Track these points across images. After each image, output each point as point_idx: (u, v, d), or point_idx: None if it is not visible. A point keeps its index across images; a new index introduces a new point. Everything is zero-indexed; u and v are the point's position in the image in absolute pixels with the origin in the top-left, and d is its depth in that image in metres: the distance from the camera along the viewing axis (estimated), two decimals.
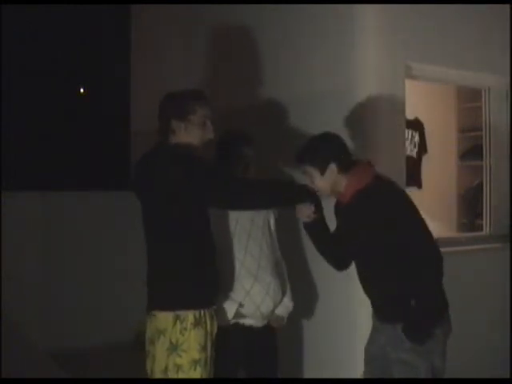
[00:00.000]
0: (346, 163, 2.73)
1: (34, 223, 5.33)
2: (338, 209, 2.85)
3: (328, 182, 2.72)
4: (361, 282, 2.84)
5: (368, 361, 2.83)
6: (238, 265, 2.99)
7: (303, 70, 3.86)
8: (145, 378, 2.66)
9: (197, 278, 2.65)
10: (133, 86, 5.80)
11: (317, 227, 2.85)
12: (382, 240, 2.61)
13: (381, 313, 2.77)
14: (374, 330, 2.83)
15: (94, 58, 5.60)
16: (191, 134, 2.71)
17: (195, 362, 2.59)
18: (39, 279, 5.27)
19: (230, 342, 2.94)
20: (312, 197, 2.76)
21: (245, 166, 3.08)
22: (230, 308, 2.95)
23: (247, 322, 3.00)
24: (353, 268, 2.90)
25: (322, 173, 2.70)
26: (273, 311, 3.07)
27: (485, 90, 4.32)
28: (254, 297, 2.97)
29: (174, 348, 2.58)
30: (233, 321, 2.97)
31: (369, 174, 2.72)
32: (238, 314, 2.96)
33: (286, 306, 3.16)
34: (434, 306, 2.61)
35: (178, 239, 2.63)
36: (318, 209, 2.80)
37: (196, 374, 2.60)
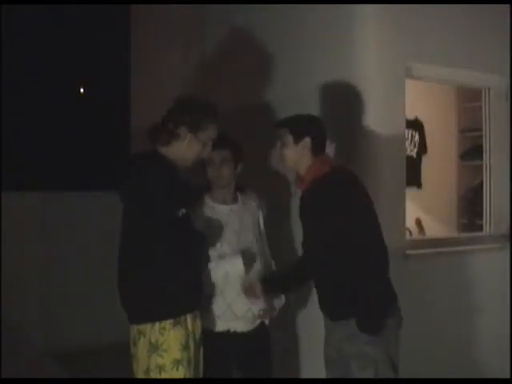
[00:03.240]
0: (319, 147, 2.76)
1: (34, 223, 5.33)
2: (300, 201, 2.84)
3: (296, 153, 2.74)
4: (314, 281, 2.83)
5: (326, 362, 2.83)
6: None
7: (303, 70, 3.85)
8: (144, 378, 2.64)
9: (170, 292, 2.59)
10: (133, 86, 5.79)
11: (281, 284, 2.91)
12: (331, 230, 2.60)
13: (333, 311, 2.75)
14: (328, 331, 2.81)
15: (94, 57, 5.60)
16: (191, 148, 2.65)
17: (177, 362, 2.56)
18: (39, 279, 5.26)
19: (222, 346, 2.91)
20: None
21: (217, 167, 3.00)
22: (218, 311, 2.93)
23: (238, 325, 2.97)
24: None
25: (296, 142, 2.73)
26: (264, 311, 3.04)
27: (485, 90, 4.32)
28: (244, 298, 2.95)
29: (154, 348, 2.55)
30: (223, 324, 2.95)
31: (328, 164, 2.74)
32: (228, 317, 2.94)
33: (279, 298, 3.13)
34: (384, 298, 2.63)
35: (149, 255, 2.58)
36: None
37: (179, 374, 2.56)
